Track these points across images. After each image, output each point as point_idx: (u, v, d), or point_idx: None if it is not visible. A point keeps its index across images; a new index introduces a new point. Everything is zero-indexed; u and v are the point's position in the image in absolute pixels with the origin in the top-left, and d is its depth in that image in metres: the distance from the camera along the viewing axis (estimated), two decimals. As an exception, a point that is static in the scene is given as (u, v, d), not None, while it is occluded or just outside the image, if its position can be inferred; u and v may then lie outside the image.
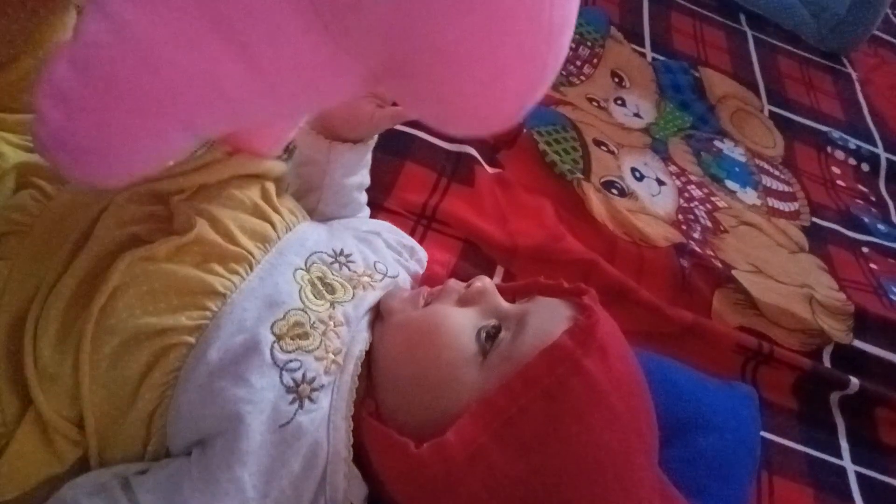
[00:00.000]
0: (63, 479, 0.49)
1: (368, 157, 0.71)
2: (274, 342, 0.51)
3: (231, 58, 0.40)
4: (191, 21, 0.39)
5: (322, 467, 0.51)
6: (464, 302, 0.57)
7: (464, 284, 0.59)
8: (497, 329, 0.54)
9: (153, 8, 0.38)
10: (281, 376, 0.50)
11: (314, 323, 0.54)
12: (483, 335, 0.54)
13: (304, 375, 0.51)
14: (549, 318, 0.54)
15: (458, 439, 0.49)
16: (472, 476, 0.49)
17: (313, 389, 0.51)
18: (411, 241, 0.71)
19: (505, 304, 0.57)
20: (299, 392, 0.51)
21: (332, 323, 0.55)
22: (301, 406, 0.50)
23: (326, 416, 0.51)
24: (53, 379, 0.49)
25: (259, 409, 0.49)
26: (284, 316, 0.53)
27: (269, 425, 0.49)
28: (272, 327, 0.52)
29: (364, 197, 0.73)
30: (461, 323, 0.55)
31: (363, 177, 0.71)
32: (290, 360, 0.51)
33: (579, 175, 1.02)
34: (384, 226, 0.71)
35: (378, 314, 0.60)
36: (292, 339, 0.52)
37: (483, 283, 0.58)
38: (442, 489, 0.50)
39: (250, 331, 0.51)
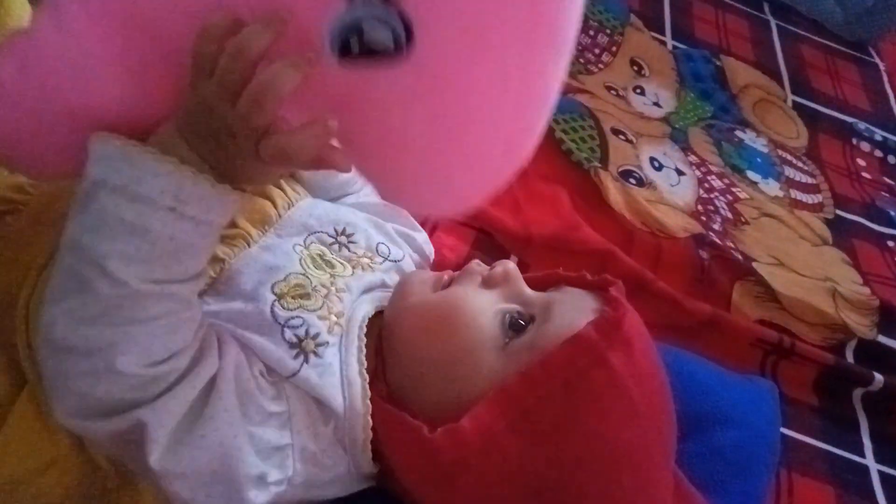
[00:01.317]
0: (62, 465, 0.48)
1: None
2: (274, 301, 0.51)
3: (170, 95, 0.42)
4: (139, 50, 0.40)
5: (337, 421, 0.50)
6: (487, 284, 0.55)
7: (486, 267, 0.57)
8: (523, 318, 0.52)
9: (105, 26, 0.39)
10: (283, 332, 0.50)
11: (315, 286, 0.53)
12: (507, 320, 0.52)
13: (307, 331, 0.50)
14: (575, 308, 0.53)
15: (473, 426, 0.48)
16: (485, 464, 0.48)
17: (318, 345, 0.50)
18: (409, 230, 0.69)
19: (529, 291, 0.55)
20: (303, 346, 0.50)
21: (333, 288, 0.54)
22: (307, 360, 0.49)
23: (338, 372, 0.50)
24: None
25: (233, 372, 0.47)
26: (285, 278, 0.52)
27: (250, 382, 0.47)
28: (272, 287, 0.51)
29: (357, 183, 0.70)
30: (482, 306, 0.53)
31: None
32: (292, 318, 0.50)
33: (596, 164, 1.00)
34: (391, 211, 0.69)
35: (387, 295, 0.58)
36: (293, 298, 0.52)
37: (506, 266, 0.56)
38: (454, 476, 0.49)
39: (250, 293, 0.51)
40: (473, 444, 0.48)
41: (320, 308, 0.52)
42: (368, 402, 0.50)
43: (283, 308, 0.51)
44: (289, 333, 0.50)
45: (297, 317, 0.51)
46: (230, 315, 0.50)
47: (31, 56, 0.40)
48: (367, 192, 0.71)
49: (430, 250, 0.71)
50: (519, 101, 0.43)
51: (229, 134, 0.42)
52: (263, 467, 0.46)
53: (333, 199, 0.67)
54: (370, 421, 0.50)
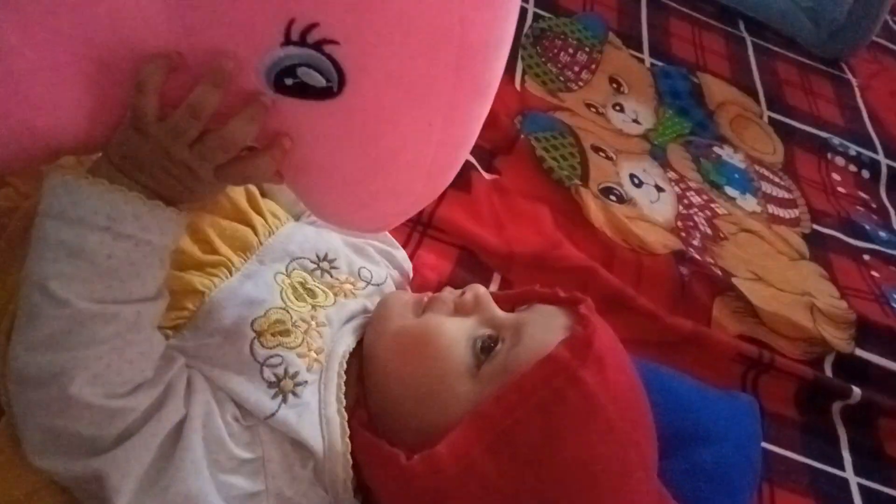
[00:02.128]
0: (46, 493, 0.47)
1: None
2: (254, 339, 0.51)
3: (103, 110, 0.43)
4: (71, 63, 0.40)
5: (316, 461, 0.49)
6: (458, 311, 0.56)
7: (458, 293, 0.58)
8: (493, 340, 0.53)
9: (37, 40, 0.39)
10: (262, 371, 0.50)
11: (296, 321, 0.53)
12: (478, 345, 0.52)
13: (285, 370, 0.50)
14: (546, 328, 0.53)
15: (449, 452, 0.48)
16: (463, 490, 0.48)
17: (296, 384, 0.50)
18: (389, 247, 0.69)
19: (500, 313, 0.55)
20: (281, 387, 0.50)
21: (313, 323, 0.54)
22: (285, 400, 0.49)
23: (317, 411, 0.50)
24: None
25: (202, 420, 0.47)
26: (265, 313, 0.52)
27: (221, 430, 0.47)
28: (252, 324, 0.51)
29: None
30: (455, 333, 0.53)
31: None
32: (271, 356, 0.50)
33: (577, 181, 1.00)
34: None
35: (368, 320, 0.58)
36: (273, 335, 0.52)
37: (476, 291, 0.57)
38: (433, 502, 0.49)
39: (229, 330, 0.50)
40: (450, 469, 0.47)
41: (300, 345, 0.52)
42: (348, 440, 0.50)
43: (262, 346, 0.51)
44: (267, 372, 0.50)
45: (276, 355, 0.51)
46: (208, 352, 0.50)
47: None
48: None
49: (409, 267, 0.71)
50: (441, 140, 0.46)
51: (186, 169, 0.44)
52: None
53: (311, 215, 0.67)
54: (350, 460, 0.50)
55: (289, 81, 0.40)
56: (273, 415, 0.48)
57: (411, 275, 0.72)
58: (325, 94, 0.41)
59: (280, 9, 0.38)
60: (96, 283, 0.43)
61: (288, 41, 0.39)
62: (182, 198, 0.45)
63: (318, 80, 0.40)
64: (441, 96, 0.43)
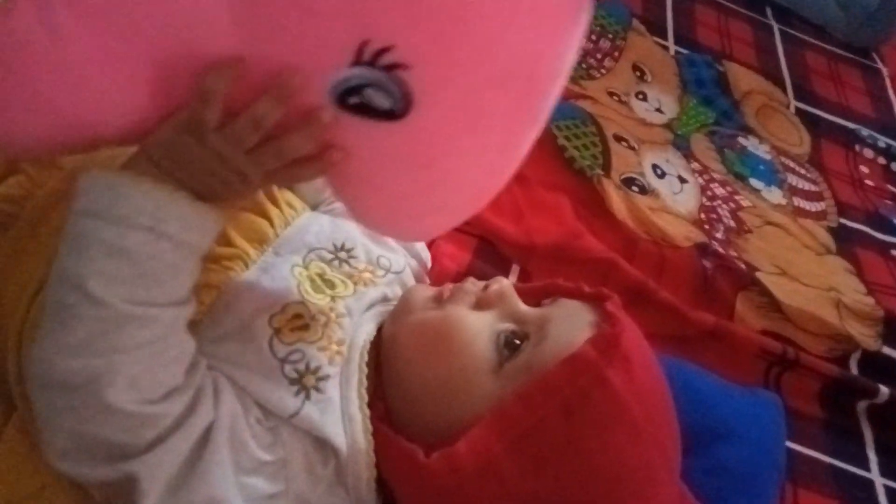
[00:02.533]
0: (54, 489, 0.47)
1: None
2: (272, 336, 0.50)
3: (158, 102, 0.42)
4: (131, 58, 0.40)
5: (339, 458, 0.48)
6: (481, 305, 0.54)
7: (481, 285, 0.56)
8: (517, 335, 0.51)
9: (98, 33, 0.38)
10: (282, 369, 0.48)
11: (314, 315, 0.52)
12: (502, 340, 0.51)
13: (307, 366, 0.49)
14: (571, 325, 0.51)
15: (469, 450, 0.47)
16: (482, 489, 0.47)
17: (319, 379, 0.49)
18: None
19: (524, 308, 0.54)
20: (304, 383, 0.49)
21: (333, 314, 0.53)
22: (308, 396, 0.48)
23: (339, 408, 0.49)
24: None
25: (229, 422, 0.46)
26: (283, 309, 0.51)
27: (245, 432, 0.46)
28: (270, 321, 0.50)
29: None
30: (477, 328, 0.52)
31: None
32: (291, 352, 0.49)
33: (599, 171, 0.99)
34: None
35: (388, 310, 0.57)
36: (292, 331, 0.50)
37: (501, 285, 0.55)
38: (450, 501, 0.48)
39: (246, 327, 0.49)
40: (469, 468, 0.46)
41: (320, 338, 0.51)
42: (371, 437, 0.49)
43: (282, 343, 0.49)
44: (288, 369, 0.49)
45: (296, 350, 0.49)
46: (227, 352, 0.49)
47: (17, 60, 0.39)
48: None
49: (427, 256, 0.70)
50: (492, 166, 0.47)
51: (238, 174, 0.43)
52: None
53: (329, 204, 0.66)
54: (373, 458, 0.49)
55: (353, 100, 0.40)
56: (297, 413, 0.47)
57: (429, 264, 0.70)
58: (387, 116, 0.40)
59: (356, 28, 0.37)
60: (137, 284, 0.41)
61: (358, 61, 0.38)
62: (220, 198, 0.45)
63: (383, 103, 0.40)
64: (500, 125, 0.44)
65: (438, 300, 0.55)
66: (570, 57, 0.44)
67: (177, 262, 0.43)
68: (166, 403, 0.43)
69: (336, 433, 0.48)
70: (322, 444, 0.48)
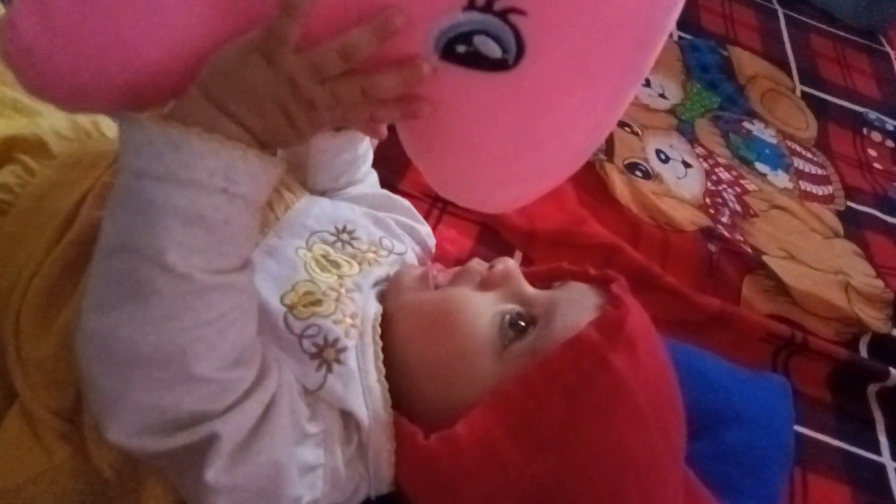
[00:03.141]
0: (54, 475, 0.46)
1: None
2: (286, 313, 0.48)
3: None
4: None
5: (361, 432, 0.48)
6: (485, 285, 0.53)
7: (486, 265, 0.55)
8: (522, 317, 0.50)
9: None
10: (301, 344, 0.48)
11: (325, 291, 0.51)
12: (506, 321, 0.50)
13: (325, 339, 0.48)
14: (578, 307, 0.50)
15: (468, 432, 0.46)
16: (482, 471, 0.46)
17: (339, 351, 0.48)
18: (412, 221, 0.67)
19: (530, 290, 0.53)
20: (324, 356, 0.48)
21: (343, 290, 0.52)
22: (330, 369, 0.47)
23: (359, 380, 0.48)
24: (38, 368, 0.46)
25: (288, 391, 0.45)
26: (292, 287, 0.50)
27: (298, 402, 0.46)
28: (282, 299, 0.49)
29: (362, 167, 0.68)
30: (480, 308, 0.51)
31: (355, 151, 0.66)
32: (308, 327, 0.48)
33: (602, 157, 0.97)
34: (392, 203, 0.68)
35: (388, 290, 0.56)
36: (305, 306, 0.49)
37: (506, 265, 0.54)
38: (449, 484, 0.47)
39: (259, 307, 0.48)
40: (469, 450, 0.46)
41: (334, 312, 0.50)
42: (391, 409, 0.48)
43: (297, 318, 0.48)
44: (307, 344, 0.48)
45: (312, 325, 0.48)
46: None
47: None
48: (370, 182, 0.70)
49: (432, 243, 0.69)
50: (598, 122, 0.43)
51: (308, 106, 0.40)
52: (301, 488, 0.44)
53: (337, 191, 0.65)
54: (394, 430, 0.48)
55: (461, 49, 0.37)
56: (321, 387, 0.47)
57: (433, 251, 0.69)
58: (496, 65, 0.37)
59: None
60: (214, 252, 0.39)
61: (472, 5, 0.35)
62: (283, 141, 0.42)
63: (495, 51, 0.37)
64: (612, 77, 0.40)
65: (425, 279, 0.54)
66: (679, 11, 0.41)
67: (249, 223, 0.41)
68: (243, 368, 0.41)
69: (359, 405, 0.47)
70: (347, 419, 0.47)
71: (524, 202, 0.51)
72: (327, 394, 0.47)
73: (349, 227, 0.58)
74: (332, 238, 0.57)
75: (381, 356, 0.50)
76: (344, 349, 0.48)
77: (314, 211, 0.58)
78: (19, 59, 0.38)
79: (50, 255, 0.48)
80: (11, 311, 0.48)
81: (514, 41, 0.36)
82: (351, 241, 0.57)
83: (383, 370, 0.49)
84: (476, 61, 0.37)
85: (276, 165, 0.41)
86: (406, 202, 0.69)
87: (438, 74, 0.39)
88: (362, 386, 0.48)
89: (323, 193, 0.64)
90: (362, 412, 0.47)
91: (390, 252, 0.59)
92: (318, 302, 0.50)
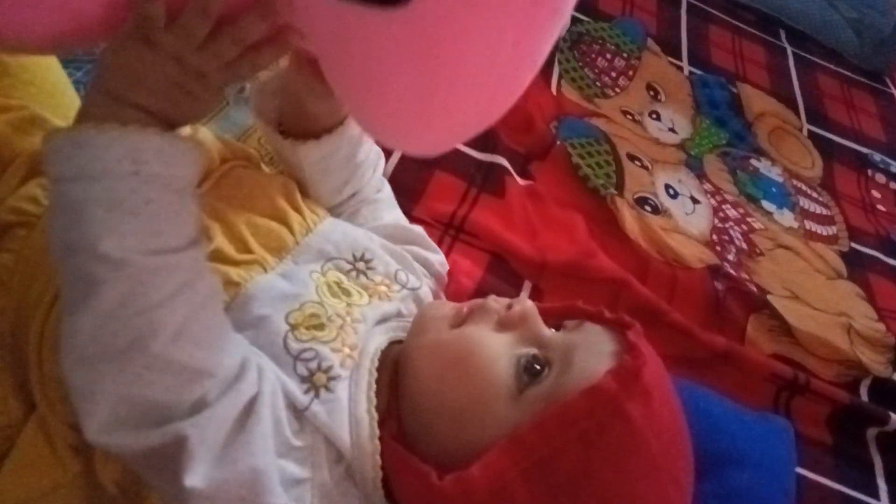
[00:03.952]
0: (68, 490, 0.47)
1: (358, 139, 0.65)
2: (288, 331, 0.50)
3: None
4: None
5: (346, 461, 0.48)
6: (503, 326, 0.53)
7: (504, 303, 0.56)
8: (538, 361, 0.51)
9: None
10: (295, 366, 0.49)
11: (331, 316, 0.52)
12: (522, 364, 0.50)
13: (319, 365, 0.49)
14: (595, 354, 0.51)
15: (483, 475, 0.46)
16: None
17: (330, 378, 0.49)
18: (426, 254, 0.68)
19: (548, 333, 0.53)
20: (314, 381, 0.49)
21: (349, 319, 0.53)
22: (317, 395, 0.48)
23: (346, 409, 0.49)
24: (59, 382, 0.47)
25: (270, 399, 0.46)
26: (300, 307, 0.52)
27: (282, 412, 0.47)
28: (287, 317, 0.51)
29: (367, 174, 0.68)
30: (498, 350, 0.51)
31: (353, 157, 0.66)
32: (305, 350, 0.50)
33: (612, 190, 0.99)
34: (405, 233, 0.68)
35: (406, 328, 0.57)
36: (307, 329, 0.51)
37: (524, 306, 0.54)
38: None
39: (264, 322, 0.50)
40: (483, 492, 0.46)
41: (334, 339, 0.51)
42: (377, 441, 0.49)
43: (297, 340, 0.50)
44: (300, 367, 0.49)
45: (309, 349, 0.50)
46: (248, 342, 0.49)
47: None
48: (386, 197, 0.70)
49: (445, 271, 0.70)
50: (511, 58, 0.42)
51: (197, 75, 0.42)
52: (286, 499, 0.45)
53: (350, 208, 0.66)
54: (379, 460, 0.49)
55: None
56: (306, 409, 0.48)
57: (446, 280, 0.70)
58: (386, 0, 0.37)
59: None
60: (145, 233, 0.41)
61: None
62: (189, 114, 0.44)
63: None
64: (518, 9, 0.39)
65: (455, 320, 0.55)
66: None
67: (175, 201, 0.43)
68: (205, 354, 0.43)
69: (341, 435, 0.48)
70: (330, 443, 0.48)
71: (451, 144, 0.51)
72: (312, 416, 0.48)
73: (367, 257, 0.59)
74: (348, 266, 0.58)
75: (375, 388, 0.51)
76: (336, 378, 0.49)
77: (334, 237, 0.59)
78: None
79: None
80: (37, 324, 0.48)
81: None
82: (366, 271, 0.58)
83: (374, 401, 0.50)
84: None
85: (181, 139, 0.43)
86: (420, 229, 0.70)
87: (338, 14, 0.39)
88: (349, 415, 0.49)
89: (335, 213, 0.65)
90: (343, 441, 0.48)
91: (403, 287, 0.60)
92: (321, 326, 0.51)
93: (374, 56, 0.41)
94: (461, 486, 0.46)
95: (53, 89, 0.62)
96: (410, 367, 0.53)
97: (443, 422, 0.51)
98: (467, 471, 0.46)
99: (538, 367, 0.50)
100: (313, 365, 0.49)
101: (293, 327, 0.50)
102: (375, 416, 0.50)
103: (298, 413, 0.48)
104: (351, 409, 0.49)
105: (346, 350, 0.51)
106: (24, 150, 0.56)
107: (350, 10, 0.38)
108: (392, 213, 0.71)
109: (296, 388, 0.48)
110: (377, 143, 0.67)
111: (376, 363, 0.52)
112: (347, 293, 0.56)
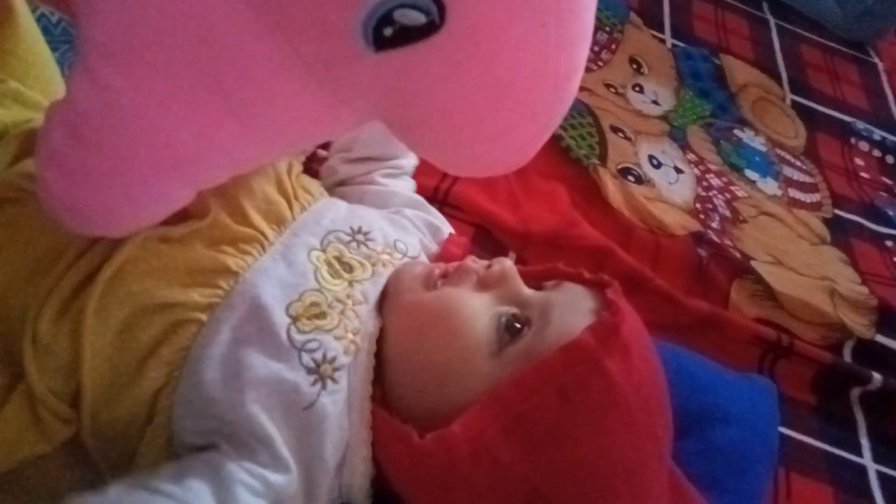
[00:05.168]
0: (52, 461, 0.47)
1: None
2: (290, 324, 0.49)
3: (225, 118, 0.41)
4: (181, 86, 0.39)
5: (343, 451, 0.49)
6: (482, 285, 0.54)
7: (483, 264, 0.56)
8: (518, 319, 0.51)
9: (141, 76, 0.38)
10: (300, 357, 0.48)
11: (331, 302, 0.52)
12: (503, 323, 0.51)
13: (324, 355, 0.49)
14: (574, 311, 0.51)
15: (463, 431, 0.47)
16: (475, 471, 0.47)
17: (335, 369, 0.49)
18: (438, 221, 0.68)
19: (527, 291, 0.53)
20: (321, 372, 0.48)
21: (350, 302, 0.53)
22: (324, 387, 0.48)
23: (346, 398, 0.49)
24: (49, 353, 0.47)
25: (277, 392, 0.47)
26: (300, 297, 0.51)
27: (290, 409, 0.47)
28: (287, 309, 0.50)
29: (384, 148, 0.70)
30: (477, 310, 0.51)
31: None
32: (308, 341, 0.49)
33: (595, 161, 0.99)
34: (412, 200, 0.69)
35: (388, 287, 0.57)
36: (309, 319, 0.50)
37: (503, 265, 0.54)
38: (443, 482, 0.48)
39: (263, 314, 0.49)
40: (463, 449, 0.47)
41: (337, 326, 0.51)
42: (370, 430, 0.49)
43: (299, 331, 0.49)
44: (306, 358, 0.48)
45: (313, 339, 0.49)
46: (246, 337, 0.48)
47: (84, 125, 0.39)
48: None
49: (447, 229, 0.69)
50: (559, 42, 0.41)
51: None
52: None
53: (358, 178, 0.67)
54: (370, 453, 0.49)
55: (388, 31, 0.37)
56: (312, 404, 0.48)
57: (445, 235, 0.69)
58: (426, 31, 0.37)
59: None
60: None
61: None
62: None
63: (419, 18, 0.36)
64: (548, 7, 0.39)
65: (429, 279, 0.55)
66: None
67: None
68: None
69: (342, 425, 0.49)
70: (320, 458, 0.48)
71: (533, 149, 0.48)
72: (315, 413, 0.48)
73: (365, 228, 0.59)
74: (348, 238, 0.57)
75: (372, 375, 0.51)
76: (340, 367, 0.49)
77: (330, 213, 0.59)
78: (62, 215, 0.43)
79: (71, 245, 0.48)
80: (42, 292, 0.47)
81: (431, 0, 0.36)
82: (366, 242, 0.58)
83: (370, 390, 0.50)
84: (407, 36, 0.37)
85: None
86: (425, 204, 0.70)
87: (384, 66, 0.39)
88: (349, 404, 0.49)
89: (346, 184, 0.65)
90: (344, 431, 0.48)
91: (404, 255, 0.60)
92: (323, 315, 0.51)
93: (431, 91, 0.41)
94: (442, 443, 0.47)
95: (35, 60, 0.62)
96: (390, 328, 0.53)
97: (423, 382, 0.51)
98: (448, 428, 0.47)
99: (518, 326, 0.51)
100: (318, 355, 0.49)
101: (294, 319, 0.49)
102: (371, 404, 0.50)
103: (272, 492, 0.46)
104: (349, 398, 0.50)
105: (350, 336, 0.51)
106: (2, 123, 0.55)
107: (396, 55, 0.38)
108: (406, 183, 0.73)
109: (301, 381, 0.48)
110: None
111: (374, 347, 0.52)
112: (349, 268, 0.55)
